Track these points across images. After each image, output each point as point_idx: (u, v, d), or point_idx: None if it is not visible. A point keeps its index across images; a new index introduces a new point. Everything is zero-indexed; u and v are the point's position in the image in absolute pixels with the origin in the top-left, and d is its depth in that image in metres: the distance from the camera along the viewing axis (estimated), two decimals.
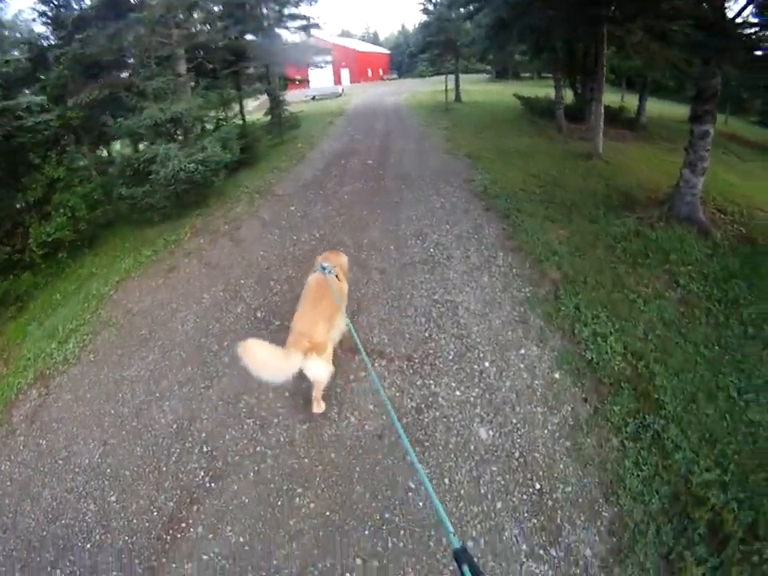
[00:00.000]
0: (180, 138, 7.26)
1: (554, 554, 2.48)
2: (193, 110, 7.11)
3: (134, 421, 3.56)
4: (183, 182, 6.37)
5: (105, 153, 8.02)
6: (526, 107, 13.93)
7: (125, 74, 8.05)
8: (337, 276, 3.29)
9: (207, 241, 5.78)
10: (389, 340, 3.88)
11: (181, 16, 7.56)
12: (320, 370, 2.96)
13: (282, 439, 3.20)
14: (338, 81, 42.28)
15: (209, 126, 8.91)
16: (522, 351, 3.73)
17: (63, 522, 2.94)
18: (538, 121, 11.77)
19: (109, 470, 3.19)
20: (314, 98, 29.00)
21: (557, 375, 3.50)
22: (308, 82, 32.62)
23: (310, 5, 13.36)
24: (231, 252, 5.42)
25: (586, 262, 4.77)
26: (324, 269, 3.25)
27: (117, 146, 8.17)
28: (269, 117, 11.73)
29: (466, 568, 1.11)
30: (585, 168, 7.38)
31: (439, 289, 4.43)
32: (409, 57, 45.56)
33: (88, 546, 2.77)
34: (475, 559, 1.34)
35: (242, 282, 4.85)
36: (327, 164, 7.80)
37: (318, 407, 3.30)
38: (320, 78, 37.06)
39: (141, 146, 7.09)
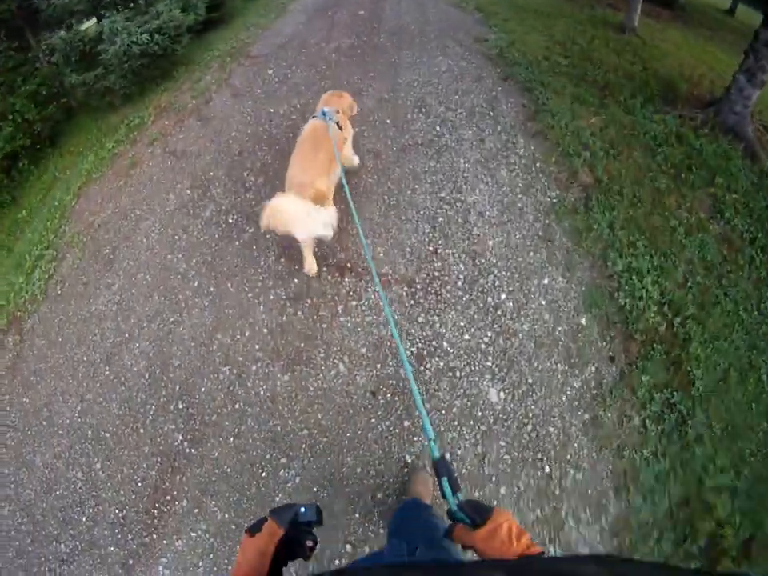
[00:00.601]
0: (132, 5, 5.26)
1: (552, 552, 1.97)
2: None
3: (106, 369, 2.91)
4: (138, 56, 4.75)
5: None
6: None
7: None
8: (339, 124, 2.63)
9: (173, 122, 4.42)
10: (384, 255, 2.92)
11: None
12: (329, 215, 2.42)
13: (262, 393, 2.53)
14: None
15: None
16: (546, 281, 2.80)
17: (58, 492, 2.60)
18: None
19: (90, 432, 2.72)
20: None
21: (583, 321, 2.65)
22: None
23: None
24: (199, 135, 4.13)
25: (622, 165, 3.51)
26: (324, 114, 2.59)
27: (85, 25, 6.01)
28: None
29: (444, 481, 0.87)
30: (618, 43, 5.44)
31: (447, 183, 3.26)
32: None
33: (84, 519, 2.47)
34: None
35: (211, 174, 3.68)
36: (311, 17, 5.78)
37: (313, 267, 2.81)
38: None
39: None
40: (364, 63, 4.64)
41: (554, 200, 3.17)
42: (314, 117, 2.66)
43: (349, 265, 2.85)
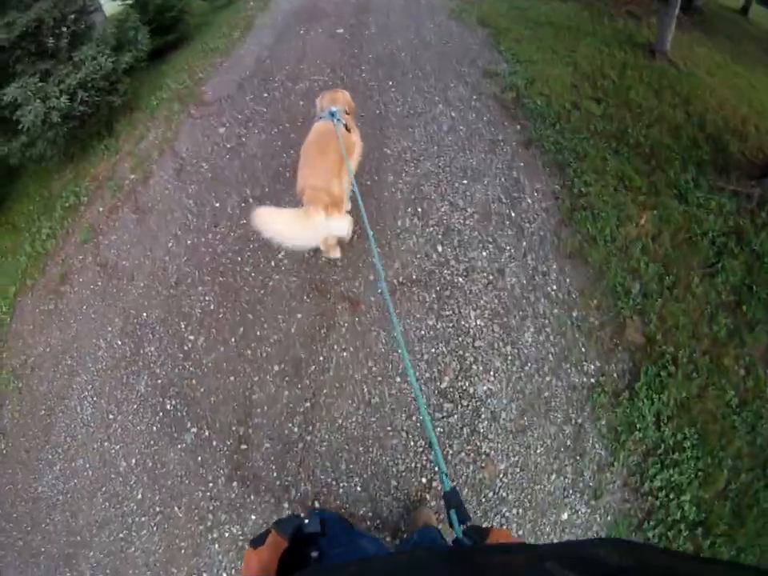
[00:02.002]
0: (53, 56, 3.60)
1: None
2: (62, 2, 3.39)
3: (67, 572, 2.09)
4: (62, 122, 3.28)
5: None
6: None
7: None
8: (347, 126, 2.06)
9: (107, 209, 3.14)
10: (362, 488, 1.83)
11: None
12: (343, 226, 2.01)
13: None
14: None
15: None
16: (565, 516, 1.81)
17: None
18: None
19: None
20: None
21: None
22: None
23: None
24: (133, 238, 2.88)
25: (679, 304, 2.30)
26: (333, 115, 2.02)
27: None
28: None
29: (452, 512, 0.73)
30: (652, 74, 3.79)
31: (451, 361, 2.06)
32: None
33: None
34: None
35: (145, 315, 2.51)
36: (280, 37, 4.13)
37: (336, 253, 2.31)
38: None
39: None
40: None
41: (593, 379, 2.04)
42: (320, 118, 2.06)
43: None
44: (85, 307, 2.73)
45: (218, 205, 2.76)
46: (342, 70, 3.54)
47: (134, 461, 2.16)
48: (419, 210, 2.55)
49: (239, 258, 2.47)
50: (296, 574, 0.56)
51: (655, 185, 2.81)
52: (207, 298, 2.40)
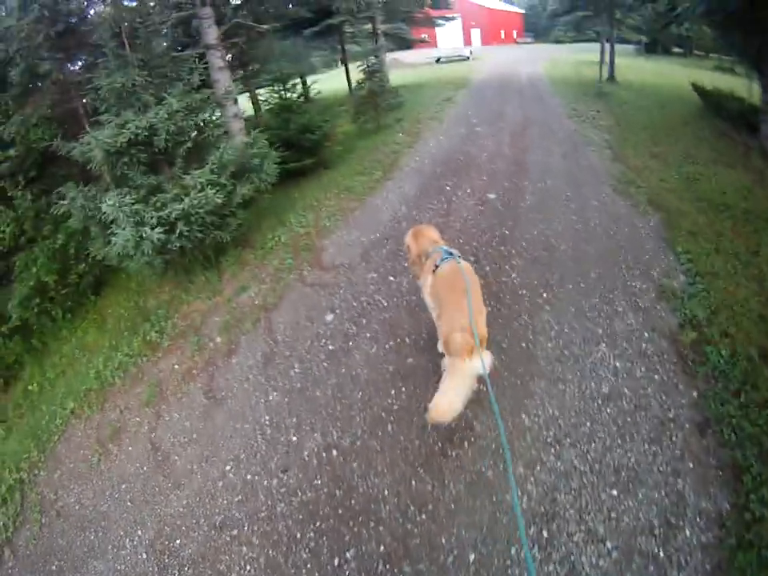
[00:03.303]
0: (171, 166, 3.66)
1: None
2: (180, 114, 3.37)
3: None
4: (155, 252, 3.27)
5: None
6: (708, 105, 7.61)
7: None
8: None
9: (180, 372, 3.02)
10: None
11: None
12: (487, 362, 1.95)
13: None
14: (467, 41, 32.58)
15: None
16: None
17: None
18: (726, 130, 6.28)
19: None
20: (438, 60, 21.45)
21: None
22: (432, 41, 25.55)
23: None
24: (193, 431, 2.63)
25: None
26: (452, 255, 2.25)
27: None
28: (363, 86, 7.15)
29: None
30: None
31: None
32: (548, 18, 28.59)
33: None
34: None
35: (178, 543, 2.16)
36: (423, 189, 4.04)
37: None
38: (448, 38, 29.85)
39: None
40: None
41: None
42: (443, 259, 2.23)
43: None
44: (124, 486, 2.55)
45: (294, 439, 2.44)
46: (488, 260, 3.18)
47: None
48: (544, 533, 1.93)
49: (298, 534, 2.05)
50: None
51: None
52: (249, 569, 1.99)
